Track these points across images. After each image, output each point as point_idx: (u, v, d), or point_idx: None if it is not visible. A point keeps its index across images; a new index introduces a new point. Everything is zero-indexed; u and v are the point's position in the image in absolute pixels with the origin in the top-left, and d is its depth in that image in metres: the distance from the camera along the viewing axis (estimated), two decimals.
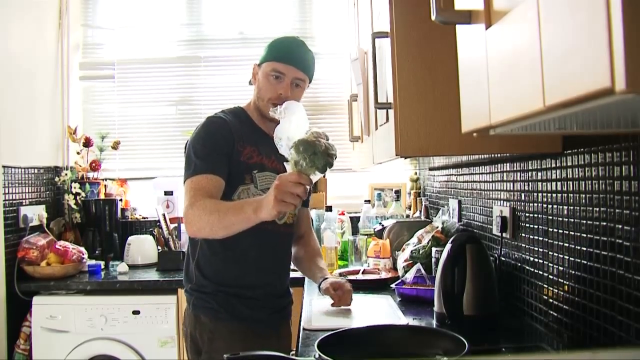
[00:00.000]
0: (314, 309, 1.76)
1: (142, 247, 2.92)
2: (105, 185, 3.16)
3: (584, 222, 1.23)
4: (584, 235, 1.23)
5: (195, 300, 1.68)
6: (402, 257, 2.09)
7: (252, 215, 1.40)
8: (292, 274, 2.61)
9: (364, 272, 2.19)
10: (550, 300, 1.41)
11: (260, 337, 1.64)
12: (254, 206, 1.40)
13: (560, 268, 1.35)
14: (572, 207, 1.29)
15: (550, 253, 1.40)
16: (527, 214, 1.54)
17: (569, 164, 1.29)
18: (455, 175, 2.30)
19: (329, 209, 2.90)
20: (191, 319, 1.68)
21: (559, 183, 1.35)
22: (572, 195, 1.29)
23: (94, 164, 3.10)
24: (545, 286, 1.44)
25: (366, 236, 2.63)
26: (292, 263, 1.91)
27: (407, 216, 2.86)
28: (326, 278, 1.77)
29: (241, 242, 1.58)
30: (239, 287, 1.66)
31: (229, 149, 1.61)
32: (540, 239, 1.46)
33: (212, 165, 1.56)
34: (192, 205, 1.50)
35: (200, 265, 1.68)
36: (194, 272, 1.69)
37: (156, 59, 3.35)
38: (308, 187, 1.37)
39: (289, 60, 1.65)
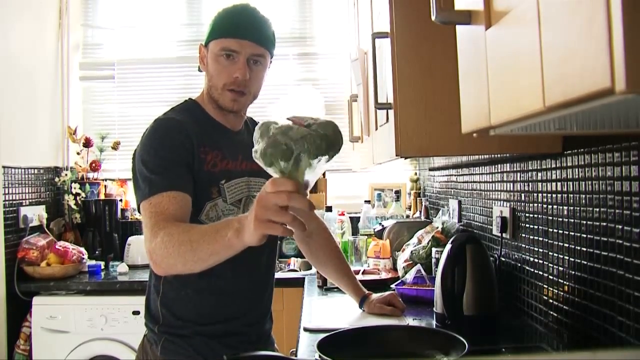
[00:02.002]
0: (314, 309, 1.75)
1: (142, 248, 2.91)
2: (105, 186, 3.16)
3: (584, 222, 1.23)
4: (584, 235, 1.23)
5: (165, 343, 1.35)
6: (402, 257, 2.10)
7: (234, 240, 1.01)
8: (292, 274, 2.62)
9: (364, 272, 2.19)
10: (550, 301, 1.41)
11: None
12: (235, 227, 1.01)
13: (560, 268, 1.35)
14: (572, 208, 1.29)
15: (550, 253, 1.40)
16: (527, 214, 1.54)
17: (569, 164, 1.29)
18: (455, 175, 2.30)
19: (329, 209, 2.91)
20: None
21: (559, 183, 1.35)
22: (572, 195, 1.29)
23: (94, 165, 3.10)
24: (545, 286, 1.44)
25: (366, 236, 2.64)
26: (313, 265, 1.73)
27: (407, 216, 2.86)
28: (367, 296, 1.67)
29: (215, 265, 1.14)
30: (219, 322, 1.37)
31: (189, 157, 1.28)
32: (540, 239, 1.46)
33: (173, 180, 1.22)
34: (155, 235, 1.14)
35: (167, 301, 1.36)
36: (159, 310, 1.38)
37: (156, 59, 3.35)
38: (301, 193, 0.94)
39: (241, 33, 1.32)
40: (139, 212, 1.27)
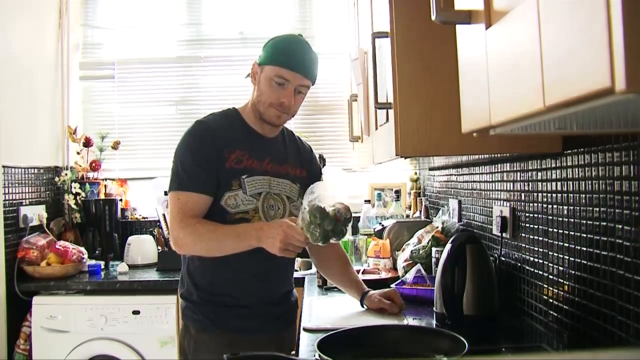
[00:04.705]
0: (314, 309, 1.75)
1: (142, 247, 2.92)
2: (105, 185, 3.16)
3: (584, 222, 1.23)
4: (584, 235, 1.23)
5: (184, 309, 1.64)
6: (402, 257, 2.09)
7: (254, 243, 1.46)
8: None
9: (364, 272, 2.19)
10: (550, 300, 1.41)
11: (255, 345, 1.54)
12: (256, 236, 1.45)
13: (560, 268, 1.35)
14: (572, 207, 1.29)
15: (550, 253, 1.40)
16: (527, 214, 1.54)
17: (569, 164, 1.29)
18: (455, 175, 2.30)
19: None
20: (182, 327, 1.66)
21: (559, 183, 1.35)
22: (572, 195, 1.29)
23: (94, 164, 3.10)
24: (545, 286, 1.44)
25: (366, 236, 2.64)
26: (318, 270, 1.88)
27: (407, 216, 2.86)
28: (367, 292, 1.71)
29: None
30: (229, 295, 1.59)
31: (216, 157, 1.54)
32: (540, 239, 1.46)
33: (199, 183, 1.52)
34: (183, 228, 1.50)
35: (190, 271, 1.63)
36: (185, 277, 1.64)
37: (156, 59, 3.35)
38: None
39: (295, 67, 1.54)
40: (165, 194, 1.61)
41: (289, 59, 1.55)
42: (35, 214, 2.77)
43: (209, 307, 1.58)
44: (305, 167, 1.74)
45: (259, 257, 1.52)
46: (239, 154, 1.57)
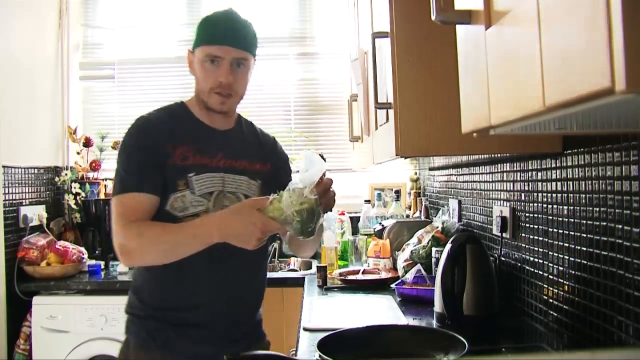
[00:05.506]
0: (314, 309, 1.75)
1: None
2: (105, 185, 3.15)
3: (584, 222, 1.23)
4: (584, 235, 1.23)
5: (127, 322, 1.44)
6: (402, 257, 2.09)
7: (216, 240, 1.26)
8: (292, 274, 2.62)
9: (364, 272, 2.19)
10: (550, 300, 1.41)
11: None
12: (219, 235, 1.25)
13: (560, 268, 1.35)
14: (572, 207, 1.29)
15: (550, 253, 1.40)
16: (527, 214, 1.54)
17: (569, 164, 1.29)
18: (455, 175, 2.30)
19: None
20: (124, 343, 1.45)
21: (559, 183, 1.35)
22: (572, 195, 1.29)
23: (94, 164, 3.10)
24: (545, 286, 1.44)
25: (366, 236, 2.64)
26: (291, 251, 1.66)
27: (407, 216, 2.86)
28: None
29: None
30: (179, 310, 1.38)
31: (158, 153, 1.37)
32: (540, 239, 1.46)
33: (141, 182, 1.34)
34: (126, 233, 1.30)
35: (137, 280, 1.46)
36: (131, 294, 1.47)
37: (156, 59, 3.35)
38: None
39: (223, 39, 1.37)
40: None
41: (214, 33, 1.39)
42: (35, 214, 2.77)
43: (153, 323, 1.39)
44: (269, 159, 1.54)
45: (218, 270, 1.38)
46: (185, 149, 1.40)
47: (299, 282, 2.36)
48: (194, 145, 1.41)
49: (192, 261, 1.31)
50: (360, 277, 2.14)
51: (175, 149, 1.38)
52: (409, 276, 1.90)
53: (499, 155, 1.71)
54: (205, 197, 1.38)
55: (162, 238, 1.29)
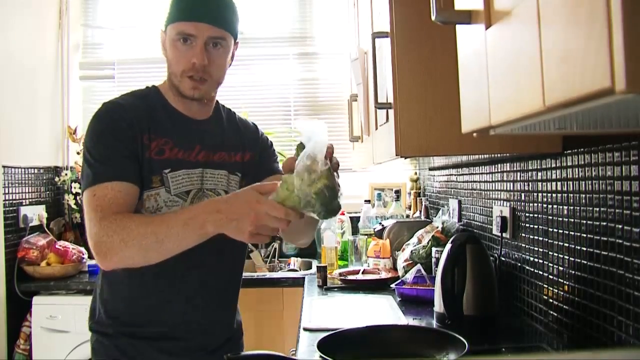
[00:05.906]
0: (314, 309, 1.75)
1: None
2: None
3: (584, 222, 1.23)
4: (584, 235, 1.23)
5: (95, 344, 1.30)
6: (402, 257, 2.10)
7: (211, 231, 1.08)
8: (292, 274, 2.62)
9: (364, 272, 2.19)
10: (550, 300, 1.41)
11: None
12: (213, 220, 1.07)
13: (560, 268, 1.35)
14: (572, 207, 1.29)
15: (550, 253, 1.40)
16: (527, 214, 1.54)
17: (569, 164, 1.29)
18: (455, 175, 2.30)
19: None
20: None
21: (559, 183, 1.35)
22: (572, 195, 1.29)
23: None
24: (545, 286, 1.44)
25: (366, 236, 2.64)
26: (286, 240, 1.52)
27: (407, 216, 2.86)
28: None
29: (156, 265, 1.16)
30: (151, 325, 1.27)
31: (133, 144, 1.21)
32: (540, 239, 1.46)
33: (117, 169, 1.17)
34: (104, 228, 1.11)
35: (103, 295, 1.30)
36: (98, 307, 1.31)
37: (156, 59, 3.33)
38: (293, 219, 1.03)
39: (197, 16, 1.21)
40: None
41: (187, 8, 1.23)
42: (35, 214, 2.78)
43: (125, 340, 1.27)
44: (251, 149, 1.40)
45: (192, 277, 1.28)
46: (161, 142, 1.25)
47: (299, 282, 2.36)
48: (170, 137, 1.26)
49: (168, 267, 1.17)
50: (360, 277, 2.14)
51: (151, 140, 1.23)
52: (409, 276, 1.90)
53: (499, 155, 1.71)
54: (182, 197, 1.25)
55: (148, 228, 1.09)
